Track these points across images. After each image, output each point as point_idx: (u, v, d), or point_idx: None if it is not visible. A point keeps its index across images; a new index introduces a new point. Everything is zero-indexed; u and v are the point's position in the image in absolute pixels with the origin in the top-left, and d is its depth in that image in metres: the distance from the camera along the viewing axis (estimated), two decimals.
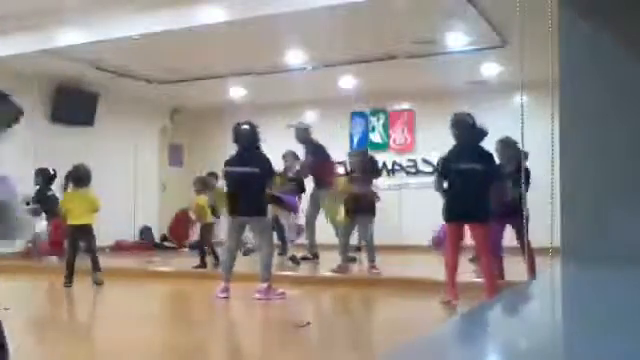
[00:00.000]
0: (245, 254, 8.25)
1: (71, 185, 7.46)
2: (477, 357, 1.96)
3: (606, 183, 4.10)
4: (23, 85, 10.49)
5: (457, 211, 5.56)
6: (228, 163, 6.42)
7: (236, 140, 6.40)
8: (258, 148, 6.40)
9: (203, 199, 8.66)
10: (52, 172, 9.47)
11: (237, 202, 6.29)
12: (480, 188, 5.56)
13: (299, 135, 9.10)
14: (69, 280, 7.14)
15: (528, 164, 6.23)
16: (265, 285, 6.16)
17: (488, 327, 2.59)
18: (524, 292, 3.90)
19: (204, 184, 8.85)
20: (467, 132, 5.68)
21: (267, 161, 6.40)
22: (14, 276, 8.22)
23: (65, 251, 7.72)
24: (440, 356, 1.98)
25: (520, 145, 6.22)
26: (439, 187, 5.78)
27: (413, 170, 11.89)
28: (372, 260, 7.70)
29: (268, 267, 6.25)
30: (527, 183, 6.24)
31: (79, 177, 7.44)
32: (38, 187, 9.54)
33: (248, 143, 6.33)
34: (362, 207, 7.67)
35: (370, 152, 11.45)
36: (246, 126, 6.41)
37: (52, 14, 7.93)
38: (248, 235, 7.24)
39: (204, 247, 8.54)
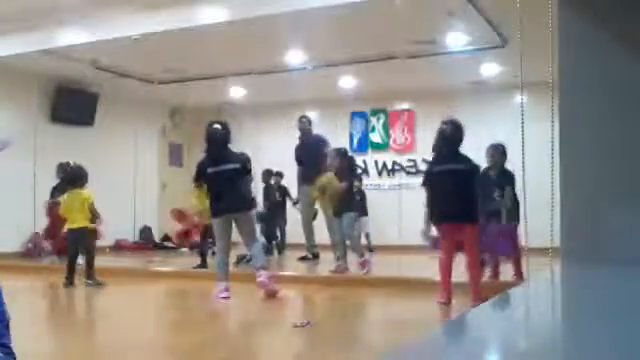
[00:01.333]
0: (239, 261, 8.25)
1: (68, 188, 7.46)
2: (477, 357, 1.96)
3: (606, 183, 4.10)
4: (23, 85, 10.51)
5: (446, 212, 5.59)
6: (206, 164, 6.30)
7: (209, 140, 6.35)
8: (228, 146, 6.38)
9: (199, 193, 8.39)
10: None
11: (222, 201, 6.25)
12: (462, 189, 5.57)
13: (302, 126, 9.24)
14: (69, 280, 7.13)
15: (510, 167, 6.35)
16: (266, 273, 6.20)
17: (488, 327, 2.59)
18: (524, 292, 3.90)
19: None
20: (445, 141, 5.73)
21: (243, 156, 6.44)
22: (13, 276, 8.22)
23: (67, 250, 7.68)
24: (441, 356, 1.98)
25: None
26: (429, 206, 5.78)
27: (413, 170, 11.89)
28: (360, 256, 7.74)
29: (262, 255, 6.31)
30: (512, 185, 6.37)
31: (70, 179, 7.42)
32: (59, 181, 9.38)
33: (222, 142, 6.33)
34: (344, 205, 7.64)
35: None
36: (218, 125, 6.40)
37: (52, 14, 7.93)
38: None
39: (205, 247, 8.51)
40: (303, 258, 9.08)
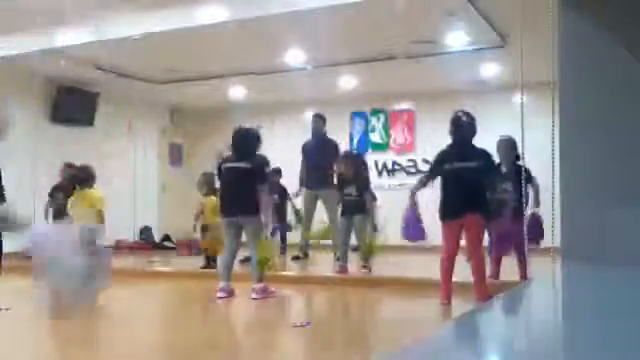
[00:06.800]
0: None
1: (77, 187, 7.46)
2: (477, 357, 1.96)
3: (606, 183, 4.10)
4: (23, 85, 10.51)
5: (453, 208, 5.55)
6: (224, 160, 6.36)
7: (232, 142, 6.34)
8: (253, 151, 6.32)
9: (211, 200, 8.29)
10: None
11: (229, 201, 6.23)
12: (474, 186, 5.52)
13: (313, 124, 8.96)
14: None
15: (526, 164, 6.23)
16: (261, 285, 6.16)
17: (488, 328, 2.59)
18: (524, 292, 3.90)
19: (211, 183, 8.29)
20: (460, 130, 5.67)
21: (261, 158, 6.33)
22: (14, 276, 8.21)
23: None
24: (441, 356, 1.98)
25: (519, 147, 6.24)
26: (420, 186, 5.81)
27: (413, 170, 11.87)
28: (365, 260, 7.74)
29: (258, 268, 6.22)
30: (529, 182, 6.23)
31: (79, 178, 7.43)
32: (65, 181, 9.26)
33: (244, 142, 6.26)
34: (357, 208, 7.64)
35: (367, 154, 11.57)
36: (243, 128, 6.37)
37: (52, 14, 7.92)
38: None
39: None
40: (296, 257, 9.07)
